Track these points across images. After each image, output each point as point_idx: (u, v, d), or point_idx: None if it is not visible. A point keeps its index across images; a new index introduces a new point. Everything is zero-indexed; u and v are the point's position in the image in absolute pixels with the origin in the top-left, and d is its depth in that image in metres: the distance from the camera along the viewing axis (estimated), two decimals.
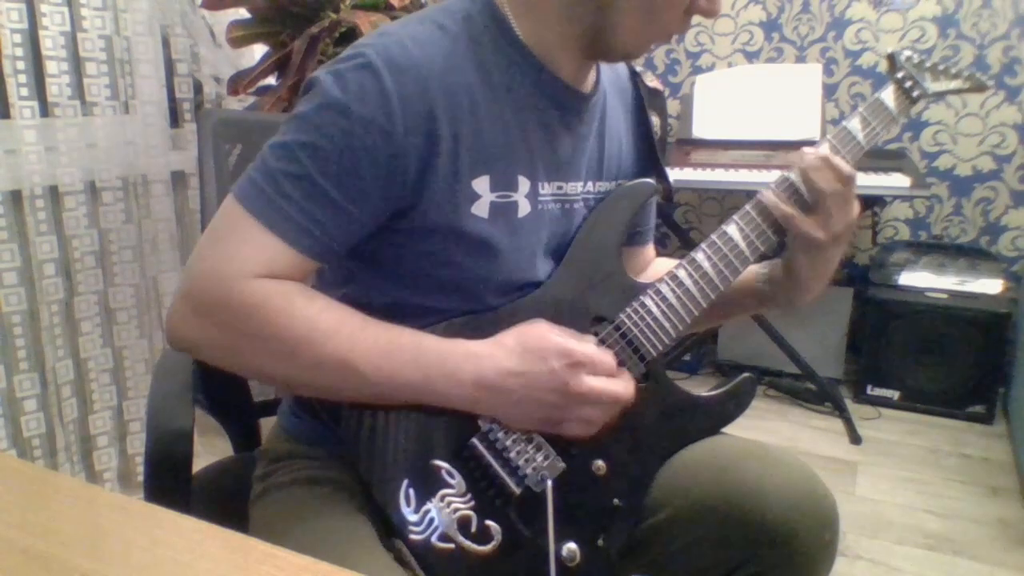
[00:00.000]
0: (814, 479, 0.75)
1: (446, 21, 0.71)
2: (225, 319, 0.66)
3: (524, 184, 0.73)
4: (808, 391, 2.38)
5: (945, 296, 2.22)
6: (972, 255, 2.35)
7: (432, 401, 0.69)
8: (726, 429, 0.83)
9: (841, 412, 2.25)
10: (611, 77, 0.86)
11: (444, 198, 0.69)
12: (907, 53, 0.86)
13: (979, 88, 0.91)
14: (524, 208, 0.74)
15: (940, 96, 0.89)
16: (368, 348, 0.67)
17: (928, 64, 0.86)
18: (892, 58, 0.86)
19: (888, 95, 0.84)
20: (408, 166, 0.67)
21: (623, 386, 0.71)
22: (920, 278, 2.28)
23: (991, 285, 2.22)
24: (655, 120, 0.89)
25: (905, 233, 2.56)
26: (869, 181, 2.01)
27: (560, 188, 0.77)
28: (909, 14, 2.40)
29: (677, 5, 0.70)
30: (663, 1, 0.69)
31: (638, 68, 0.92)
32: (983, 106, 2.38)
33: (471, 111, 0.69)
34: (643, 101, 0.89)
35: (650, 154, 0.90)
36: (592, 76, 0.81)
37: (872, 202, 2.21)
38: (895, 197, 2.43)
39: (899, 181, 1.99)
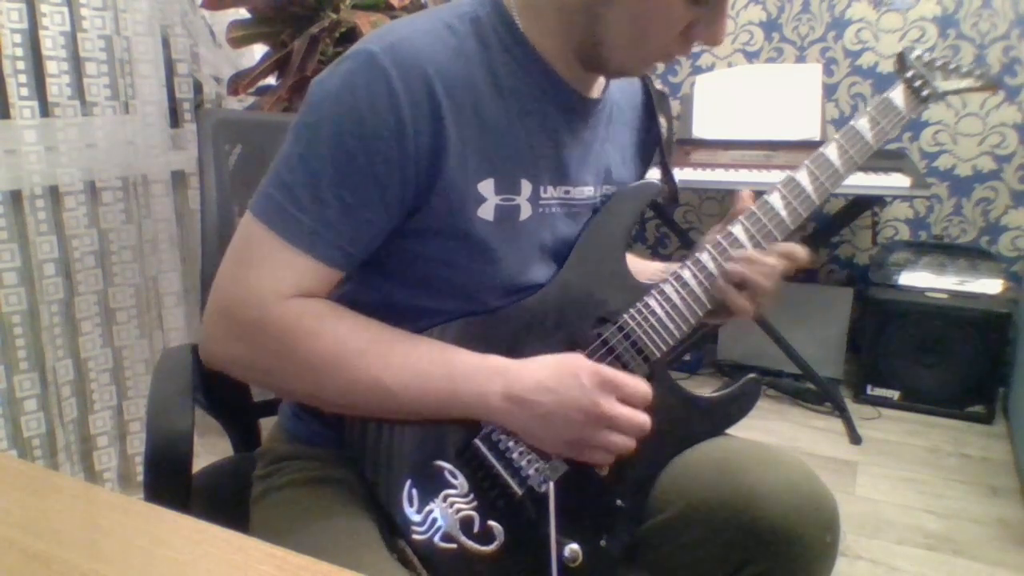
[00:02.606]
0: (815, 480, 0.75)
1: (454, 21, 0.70)
2: (257, 341, 0.67)
3: (526, 187, 0.73)
4: (808, 391, 2.38)
5: (945, 296, 2.23)
6: (972, 255, 2.35)
7: (460, 414, 0.69)
8: (727, 429, 0.83)
9: (841, 412, 2.25)
10: (620, 82, 0.85)
11: (451, 200, 0.69)
12: (917, 52, 0.85)
13: (991, 87, 0.90)
14: (525, 212, 0.73)
15: (951, 95, 0.88)
16: (398, 366, 0.67)
17: (939, 63, 0.85)
18: (902, 57, 0.85)
19: (897, 94, 0.83)
20: (420, 166, 0.67)
21: (647, 418, 0.70)
22: (920, 278, 2.28)
23: (991, 285, 2.22)
24: (662, 122, 0.89)
25: (905, 233, 2.56)
26: (869, 181, 2.01)
27: (568, 192, 0.77)
28: (909, 14, 2.40)
29: (668, 28, 0.68)
30: (652, 22, 0.67)
31: None
32: (983, 106, 2.38)
33: (476, 112, 0.69)
34: (653, 103, 0.89)
35: (657, 156, 0.90)
36: (600, 82, 0.80)
37: (872, 202, 2.21)
38: (895, 197, 2.43)
39: (899, 181, 1.99)
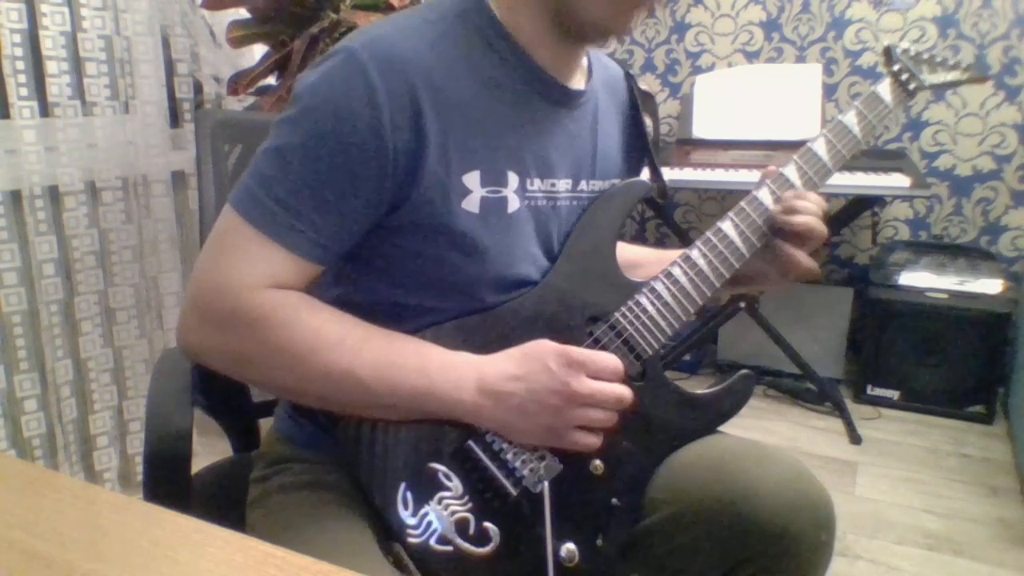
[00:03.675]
0: (810, 479, 0.75)
1: (434, 17, 0.71)
2: (232, 331, 0.67)
3: (513, 179, 0.73)
4: (808, 391, 2.38)
5: (945, 296, 2.22)
6: (972, 255, 2.35)
7: (435, 411, 0.69)
8: (725, 428, 0.83)
9: (841, 412, 2.25)
10: (604, 77, 0.86)
11: (435, 193, 0.69)
12: (904, 46, 0.86)
13: (978, 79, 0.91)
14: (514, 204, 0.73)
15: (937, 88, 0.89)
16: (372, 359, 0.67)
17: (925, 56, 0.87)
18: (888, 51, 0.86)
19: (884, 88, 0.84)
20: (398, 161, 0.67)
21: (625, 389, 0.70)
22: (920, 278, 2.28)
23: (991, 285, 2.22)
24: (648, 122, 0.89)
25: (905, 233, 2.56)
26: (869, 181, 2.01)
27: (553, 185, 0.77)
28: (909, 14, 2.40)
29: None
30: None
31: (636, 69, 0.92)
32: (983, 106, 2.38)
33: (459, 105, 0.69)
34: (638, 102, 0.89)
35: (645, 154, 0.90)
36: (583, 74, 0.81)
37: (872, 202, 2.21)
38: (895, 197, 2.43)
39: (899, 181, 1.99)
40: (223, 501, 0.82)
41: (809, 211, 0.78)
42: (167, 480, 0.75)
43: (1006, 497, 1.87)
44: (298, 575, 0.43)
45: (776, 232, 0.79)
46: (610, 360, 0.70)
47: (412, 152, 0.67)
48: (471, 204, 0.70)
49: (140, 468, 1.75)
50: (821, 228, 0.78)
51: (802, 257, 0.79)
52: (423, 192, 0.68)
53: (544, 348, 0.69)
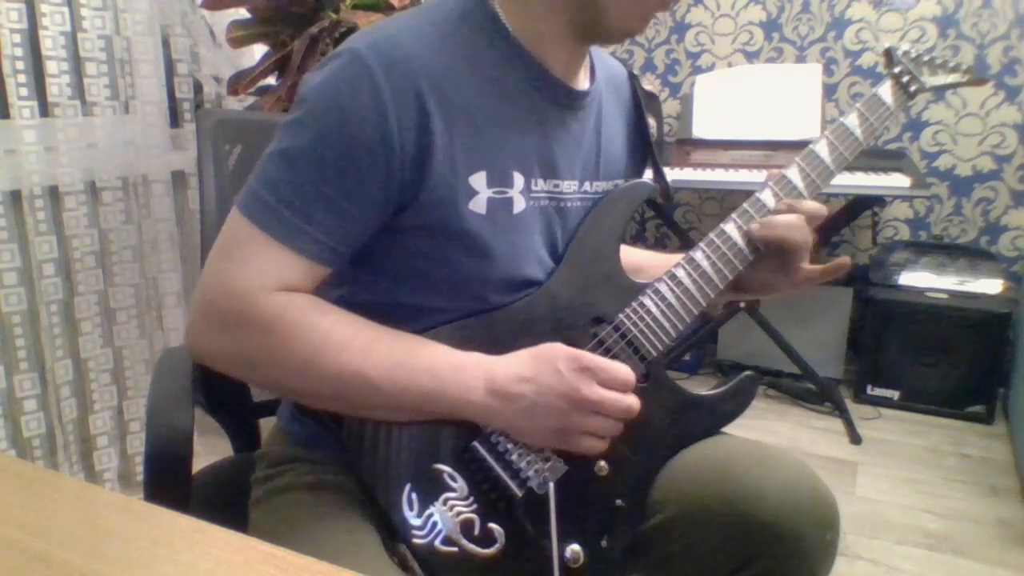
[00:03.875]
0: (815, 480, 0.75)
1: (438, 18, 0.71)
2: (241, 335, 0.67)
3: (519, 180, 0.73)
4: (808, 391, 2.38)
5: (945, 296, 2.22)
6: (972, 255, 2.35)
7: (445, 411, 0.69)
8: (726, 428, 0.83)
9: (841, 412, 2.25)
10: (607, 76, 0.85)
11: (441, 194, 0.68)
12: (904, 47, 0.86)
13: (978, 81, 0.91)
14: (519, 204, 0.73)
15: (938, 90, 0.89)
16: (381, 359, 0.67)
17: (926, 58, 0.87)
18: (889, 53, 0.86)
19: (885, 90, 0.84)
20: (405, 161, 0.67)
21: (634, 400, 0.70)
22: (920, 278, 2.28)
23: (991, 285, 2.22)
24: (651, 122, 0.89)
25: (905, 233, 2.56)
26: (869, 181, 2.01)
27: (556, 186, 0.77)
28: (909, 14, 2.40)
29: None
30: None
31: (636, 69, 0.92)
32: (983, 106, 2.38)
33: (464, 106, 0.69)
34: (640, 102, 0.89)
35: (648, 155, 0.90)
36: (586, 73, 0.81)
37: (872, 202, 2.21)
38: (895, 197, 2.43)
39: (899, 181, 2.00)
40: (223, 501, 0.81)
41: (783, 225, 0.78)
42: (167, 480, 0.75)
43: (1006, 497, 1.87)
44: (298, 575, 0.43)
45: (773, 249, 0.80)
46: (622, 370, 0.70)
47: (419, 152, 0.67)
48: (478, 205, 0.70)
49: (140, 468, 1.75)
50: (805, 237, 0.79)
51: (816, 268, 0.81)
52: (430, 193, 0.68)
53: (555, 351, 0.69)
